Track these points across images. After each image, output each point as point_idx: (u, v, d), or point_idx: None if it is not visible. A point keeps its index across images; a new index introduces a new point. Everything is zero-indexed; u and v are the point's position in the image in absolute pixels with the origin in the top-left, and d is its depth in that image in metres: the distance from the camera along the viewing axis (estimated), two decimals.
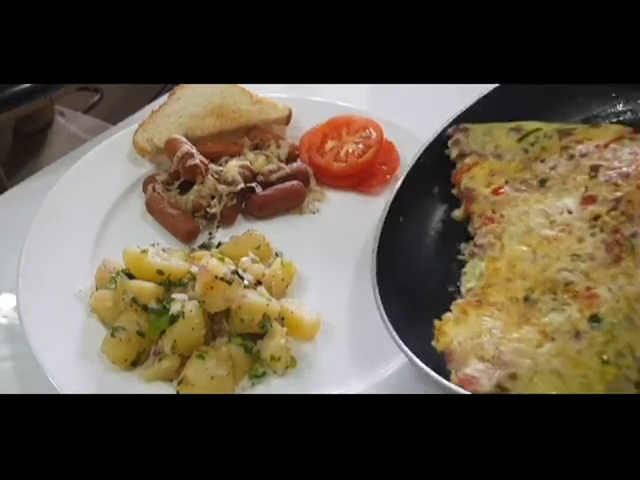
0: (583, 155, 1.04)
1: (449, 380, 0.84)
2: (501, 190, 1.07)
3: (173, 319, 0.98)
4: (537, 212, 1.00)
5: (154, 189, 1.30)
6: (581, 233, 0.94)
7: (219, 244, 1.21)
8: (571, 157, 1.05)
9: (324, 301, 1.08)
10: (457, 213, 1.12)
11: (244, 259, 1.11)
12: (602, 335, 0.82)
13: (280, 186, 1.29)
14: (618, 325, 0.82)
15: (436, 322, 0.93)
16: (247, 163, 1.32)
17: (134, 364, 0.99)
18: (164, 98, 1.51)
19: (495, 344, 0.85)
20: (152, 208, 1.28)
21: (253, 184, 1.30)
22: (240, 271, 1.05)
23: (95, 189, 1.29)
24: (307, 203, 1.31)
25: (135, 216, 1.29)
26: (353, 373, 0.98)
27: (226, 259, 1.06)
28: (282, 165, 1.34)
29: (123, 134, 1.42)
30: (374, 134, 1.33)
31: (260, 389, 0.98)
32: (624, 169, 0.99)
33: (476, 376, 0.82)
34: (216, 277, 0.99)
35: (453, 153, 1.16)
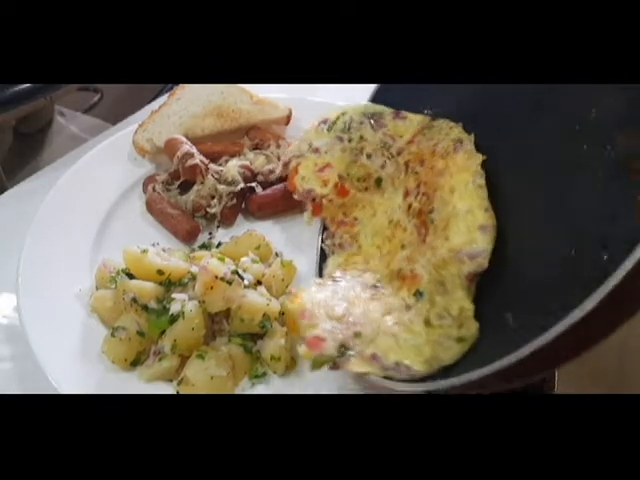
0: (399, 153, 1.10)
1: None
2: (345, 190, 1.12)
3: (173, 319, 0.98)
4: (382, 214, 1.07)
5: (154, 189, 1.30)
6: (404, 224, 1.02)
7: (219, 244, 1.21)
8: (392, 156, 1.10)
9: None
10: (306, 218, 1.17)
11: (244, 259, 1.11)
12: (425, 304, 0.90)
13: (280, 186, 1.29)
14: (435, 292, 0.90)
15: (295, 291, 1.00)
16: (247, 163, 1.33)
17: (134, 364, 0.99)
18: (164, 98, 1.52)
19: (346, 307, 0.93)
20: (152, 208, 1.28)
21: (253, 184, 1.30)
22: (240, 271, 1.05)
23: (95, 189, 1.29)
24: None
25: (135, 216, 1.29)
26: (353, 373, 0.98)
27: (226, 259, 1.06)
28: None
29: (123, 134, 1.42)
30: None
31: (260, 389, 0.98)
32: (423, 157, 1.04)
33: (323, 336, 0.88)
34: (216, 277, 0.99)
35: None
